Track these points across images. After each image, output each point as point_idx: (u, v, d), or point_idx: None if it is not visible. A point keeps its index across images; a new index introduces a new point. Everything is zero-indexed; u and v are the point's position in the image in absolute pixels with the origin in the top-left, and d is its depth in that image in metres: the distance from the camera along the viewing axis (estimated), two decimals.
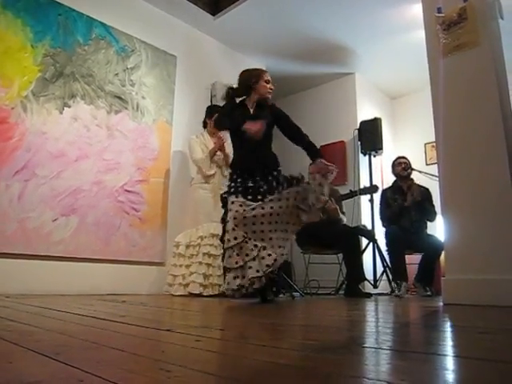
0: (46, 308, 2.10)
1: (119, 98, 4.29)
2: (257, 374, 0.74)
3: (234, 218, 2.84)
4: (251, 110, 3.19)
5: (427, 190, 4.43)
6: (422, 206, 4.31)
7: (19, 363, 0.77)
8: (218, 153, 4.14)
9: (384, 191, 4.67)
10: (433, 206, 4.34)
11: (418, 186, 4.48)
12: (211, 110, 4.29)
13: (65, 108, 3.87)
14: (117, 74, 4.31)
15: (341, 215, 4.39)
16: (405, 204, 4.32)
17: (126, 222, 4.14)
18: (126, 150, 4.25)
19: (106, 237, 3.97)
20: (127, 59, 4.42)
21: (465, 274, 2.64)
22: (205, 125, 4.41)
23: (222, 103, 3.42)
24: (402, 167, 4.53)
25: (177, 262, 3.94)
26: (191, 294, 3.73)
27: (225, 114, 3.21)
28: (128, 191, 4.20)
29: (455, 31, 2.91)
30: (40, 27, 3.80)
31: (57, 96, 3.83)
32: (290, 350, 1.01)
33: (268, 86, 3.20)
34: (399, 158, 4.68)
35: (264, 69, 3.30)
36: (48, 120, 3.75)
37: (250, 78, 3.20)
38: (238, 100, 3.26)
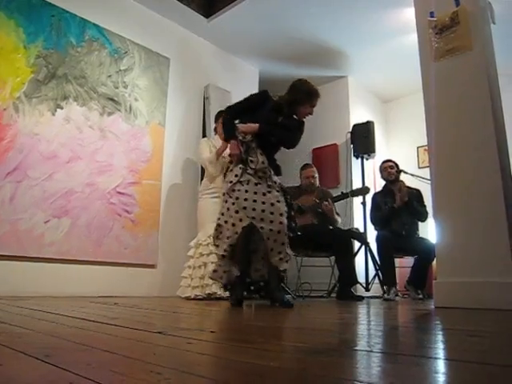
0: (37, 310, 2.08)
1: (112, 99, 4.28)
2: (248, 376, 0.74)
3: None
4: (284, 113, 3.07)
5: (418, 190, 4.44)
6: (411, 206, 4.29)
7: (9, 366, 0.76)
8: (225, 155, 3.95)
9: (374, 195, 4.66)
10: (424, 206, 4.33)
11: (408, 187, 4.47)
12: (220, 116, 4.21)
13: (57, 109, 3.86)
14: (110, 76, 4.30)
15: (336, 216, 4.41)
16: (394, 205, 4.32)
17: (118, 224, 4.12)
18: (119, 151, 4.24)
19: (98, 239, 3.96)
20: (120, 61, 4.42)
21: (456, 277, 2.66)
22: (215, 130, 4.28)
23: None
24: (387, 172, 4.52)
25: (186, 264, 3.90)
26: (210, 296, 3.63)
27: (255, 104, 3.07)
28: (120, 193, 4.19)
29: (447, 35, 2.93)
30: (33, 28, 3.78)
31: (49, 97, 3.82)
32: (282, 352, 1.01)
33: (309, 112, 3.09)
34: (385, 162, 4.62)
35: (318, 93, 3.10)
36: (40, 121, 3.73)
37: (309, 94, 3.07)
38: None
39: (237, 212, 2.83)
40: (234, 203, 2.85)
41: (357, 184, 5.60)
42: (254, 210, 2.77)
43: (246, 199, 2.80)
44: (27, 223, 3.54)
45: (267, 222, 2.75)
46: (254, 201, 2.79)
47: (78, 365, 0.75)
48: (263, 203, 2.79)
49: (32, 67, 3.74)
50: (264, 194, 2.82)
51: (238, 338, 1.36)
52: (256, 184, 2.86)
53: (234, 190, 2.87)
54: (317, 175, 4.61)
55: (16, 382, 0.63)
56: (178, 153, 4.81)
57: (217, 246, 3.00)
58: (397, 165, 4.57)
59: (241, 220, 2.81)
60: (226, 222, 2.92)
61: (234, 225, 2.84)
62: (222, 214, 2.96)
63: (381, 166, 4.63)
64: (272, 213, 2.77)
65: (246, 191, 2.83)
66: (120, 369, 0.76)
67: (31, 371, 0.72)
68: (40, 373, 0.70)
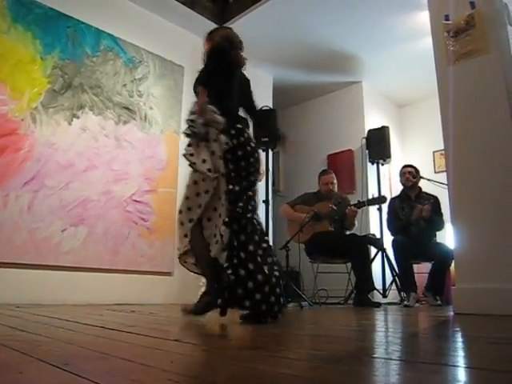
0: (55, 318, 2.10)
1: (127, 108, 4.32)
2: None
3: None
4: None
5: (436, 198, 4.38)
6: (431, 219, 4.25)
7: (29, 374, 0.77)
8: None
9: (392, 200, 4.61)
10: (441, 214, 4.28)
11: (426, 194, 4.43)
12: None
13: (73, 119, 3.91)
14: (125, 85, 4.35)
15: (355, 221, 4.42)
16: (411, 218, 4.28)
17: (134, 231, 4.15)
18: (134, 160, 4.28)
19: (114, 247, 3.98)
20: (135, 70, 4.46)
21: (476, 283, 2.62)
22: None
23: None
24: (405, 177, 4.47)
25: None
26: None
27: None
28: (136, 201, 4.22)
29: (463, 38, 2.90)
30: (49, 39, 3.85)
31: (66, 107, 3.87)
32: (299, 360, 1.00)
33: None
34: (405, 166, 4.60)
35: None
36: (57, 131, 3.78)
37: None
38: None
39: None
40: None
41: (373, 189, 5.55)
42: None
43: None
44: (45, 231, 3.58)
45: None
46: None
47: (96, 373, 0.76)
48: None
49: (48, 78, 3.80)
50: None
51: (253, 345, 1.35)
52: None
53: None
54: (335, 181, 4.61)
55: None
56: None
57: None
58: (417, 170, 4.52)
59: None
60: None
61: None
62: None
63: (401, 170, 4.60)
64: None
65: None
66: (138, 377, 0.76)
67: (51, 379, 0.72)
68: (59, 381, 0.70)
